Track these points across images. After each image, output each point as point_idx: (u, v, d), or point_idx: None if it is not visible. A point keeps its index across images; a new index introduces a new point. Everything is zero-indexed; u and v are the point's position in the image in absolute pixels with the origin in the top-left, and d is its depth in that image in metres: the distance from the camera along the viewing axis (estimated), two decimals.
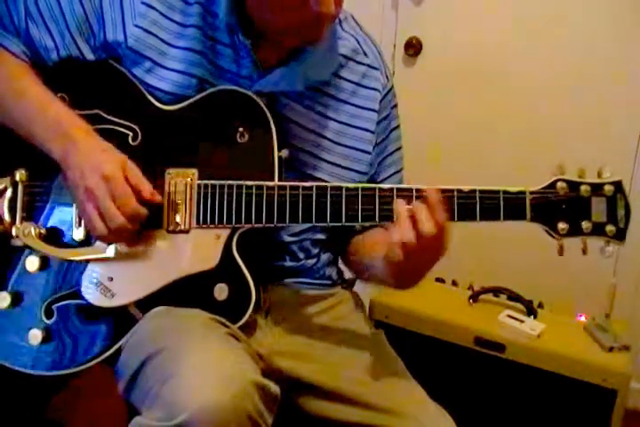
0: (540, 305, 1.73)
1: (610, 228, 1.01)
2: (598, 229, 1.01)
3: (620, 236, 1.01)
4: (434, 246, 0.98)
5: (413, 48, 2.14)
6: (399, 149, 1.28)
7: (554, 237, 1.02)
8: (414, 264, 1.00)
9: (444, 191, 1.01)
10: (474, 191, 1.01)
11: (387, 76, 1.23)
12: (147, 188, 1.03)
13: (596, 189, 1.01)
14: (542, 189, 1.02)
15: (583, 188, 1.01)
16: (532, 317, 1.65)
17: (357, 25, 1.22)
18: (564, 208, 1.01)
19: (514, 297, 1.71)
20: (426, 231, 0.95)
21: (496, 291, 1.73)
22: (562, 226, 1.01)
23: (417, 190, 1.02)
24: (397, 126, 1.27)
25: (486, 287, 1.72)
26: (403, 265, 0.99)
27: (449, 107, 2.14)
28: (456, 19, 2.09)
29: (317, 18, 1.00)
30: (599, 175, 1.02)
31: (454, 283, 1.81)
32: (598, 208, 1.01)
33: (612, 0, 1.96)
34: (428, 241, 0.96)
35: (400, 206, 0.99)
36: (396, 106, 1.26)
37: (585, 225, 1.01)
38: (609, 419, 1.52)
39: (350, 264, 1.28)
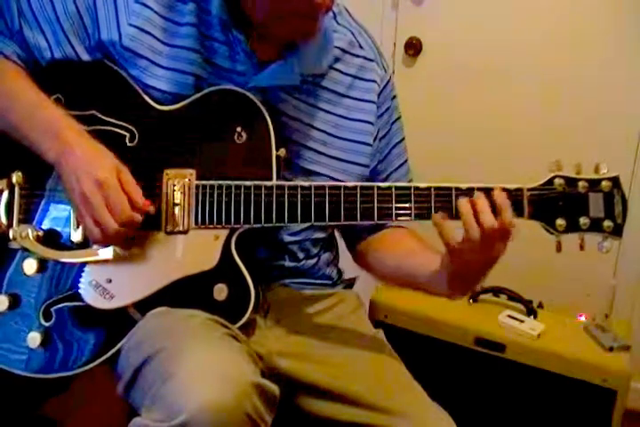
0: (540, 305, 1.73)
1: (607, 223, 1.01)
2: (596, 225, 1.01)
3: (618, 231, 1.01)
4: (494, 243, 0.98)
5: (413, 48, 2.14)
6: (403, 139, 1.28)
7: (552, 233, 1.02)
8: (474, 264, 1.00)
9: (443, 189, 1.01)
10: (472, 189, 1.01)
11: (384, 68, 1.22)
12: (138, 196, 1.02)
13: (594, 184, 1.01)
14: (540, 185, 1.02)
15: (580, 184, 1.01)
16: (532, 317, 1.65)
17: (352, 18, 1.22)
18: (562, 204, 1.01)
19: (514, 297, 1.71)
20: (487, 224, 0.96)
21: (496, 291, 1.73)
22: (560, 222, 1.01)
23: (415, 188, 1.02)
24: (399, 117, 1.27)
25: (486, 287, 1.72)
26: (461, 268, 1.00)
27: (449, 107, 2.14)
28: (456, 19, 2.09)
29: (312, 9, 1.00)
30: (596, 171, 1.02)
31: None
32: (596, 204, 1.01)
33: (612, 0, 1.95)
34: (491, 237, 0.96)
35: (461, 203, 0.99)
36: (395, 97, 1.26)
37: (582, 221, 1.01)
38: (609, 419, 1.52)
39: (375, 269, 1.25)
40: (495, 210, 0.97)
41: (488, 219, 0.96)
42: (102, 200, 0.99)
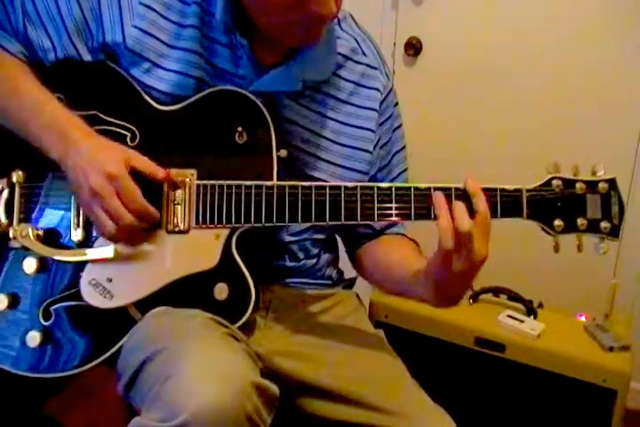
0: (540, 305, 1.73)
1: (604, 224, 1.02)
2: (593, 226, 1.02)
3: (615, 232, 1.02)
4: (473, 247, 0.95)
5: (413, 48, 2.14)
6: (404, 147, 1.28)
7: (550, 233, 1.02)
8: (455, 270, 0.97)
9: (442, 189, 1.01)
10: None
11: (387, 76, 1.22)
12: (159, 169, 1.03)
13: (591, 186, 1.02)
14: (538, 186, 1.02)
15: (578, 185, 1.02)
16: (532, 317, 1.65)
17: (356, 24, 1.21)
18: (560, 205, 1.02)
19: (514, 297, 1.71)
20: (462, 228, 0.94)
21: (496, 291, 1.73)
22: (557, 223, 1.02)
23: (415, 188, 1.02)
24: (400, 125, 1.27)
25: (486, 287, 1.72)
26: (444, 272, 0.97)
27: (449, 107, 2.14)
28: (456, 19, 2.09)
29: (317, 18, 1.00)
30: (593, 173, 1.03)
31: None
32: (593, 205, 1.02)
33: (612, 0, 1.96)
34: (467, 240, 0.94)
35: (437, 198, 0.99)
36: (396, 104, 1.26)
37: (580, 222, 1.02)
38: (609, 419, 1.52)
39: (370, 276, 1.24)
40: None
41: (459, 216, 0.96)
42: (113, 192, 0.98)
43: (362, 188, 1.03)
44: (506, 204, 1.01)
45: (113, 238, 1.03)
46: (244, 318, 1.04)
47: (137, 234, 1.04)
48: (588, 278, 2.01)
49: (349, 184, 1.04)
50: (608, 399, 1.51)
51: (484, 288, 1.72)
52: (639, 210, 1.91)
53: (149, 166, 1.03)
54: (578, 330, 1.64)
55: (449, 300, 1.05)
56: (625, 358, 1.54)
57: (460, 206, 0.97)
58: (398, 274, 1.13)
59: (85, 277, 1.08)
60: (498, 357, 1.59)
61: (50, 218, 1.11)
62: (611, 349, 1.55)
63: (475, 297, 1.72)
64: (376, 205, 1.03)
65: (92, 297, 1.07)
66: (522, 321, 1.62)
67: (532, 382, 1.57)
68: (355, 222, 1.04)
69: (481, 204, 0.97)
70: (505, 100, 2.08)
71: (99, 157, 1.00)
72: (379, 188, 1.03)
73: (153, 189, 1.04)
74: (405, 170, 1.29)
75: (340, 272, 1.33)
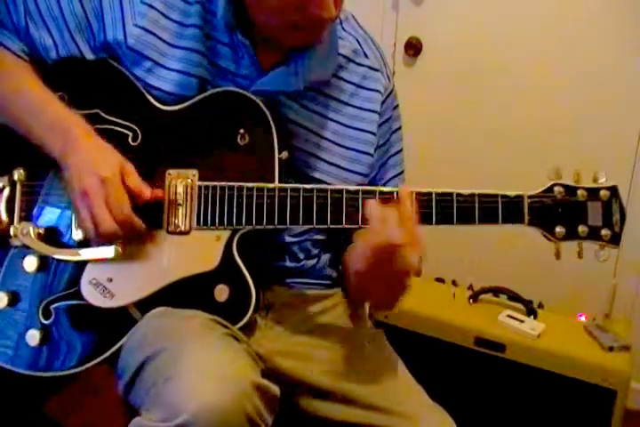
0: (540, 305, 1.74)
1: (605, 232, 1.02)
2: (594, 234, 1.02)
3: (615, 240, 1.02)
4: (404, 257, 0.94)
5: (413, 48, 2.14)
6: (400, 150, 1.28)
7: (551, 240, 1.03)
8: (384, 278, 0.97)
9: (444, 195, 1.01)
10: (473, 195, 1.02)
11: (388, 77, 1.22)
12: (146, 189, 1.03)
13: (592, 193, 1.02)
14: (540, 193, 1.02)
15: (579, 192, 1.02)
16: (532, 317, 1.65)
17: (358, 25, 1.21)
18: (561, 212, 1.02)
19: (514, 297, 1.71)
20: (394, 239, 0.93)
21: (496, 291, 1.73)
22: (559, 230, 1.02)
23: (417, 194, 1.02)
24: (399, 128, 1.27)
25: (486, 287, 1.73)
26: (371, 279, 0.98)
27: (448, 107, 2.15)
28: (456, 19, 2.09)
29: (317, 21, 1.00)
30: (594, 180, 1.03)
31: (454, 283, 1.81)
32: (594, 212, 1.02)
33: (612, 0, 1.96)
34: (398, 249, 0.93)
35: (372, 208, 0.98)
36: (397, 107, 1.26)
37: (581, 229, 1.02)
38: (609, 419, 1.52)
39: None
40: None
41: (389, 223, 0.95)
42: (102, 197, 0.98)
43: (364, 191, 1.03)
44: (507, 210, 1.02)
45: (95, 241, 1.03)
46: (244, 320, 1.04)
47: (121, 239, 1.03)
48: (588, 278, 2.01)
49: (351, 187, 1.04)
50: (608, 399, 1.51)
51: (484, 288, 1.73)
52: (639, 210, 1.91)
53: (139, 185, 1.02)
54: (578, 330, 1.64)
55: (384, 304, 1.07)
56: (625, 358, 1.54)
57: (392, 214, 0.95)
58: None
59: (86, 276, 1.07)
60: (498, 357, 1.60)
61: (51, 216, 1.11)
62: (611, 349, 1.55)
63: (475, 297, 1.72)
64: None
65: (92, 296, 1.07)
66: (522, 321, 1.62)
67: (532, 382, 1.58)
68: (356, 226, 1.03)
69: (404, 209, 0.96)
70: (504, 99, 2.08)
71: (96, 161, 1.00)
72: (380, 191, 1.03)
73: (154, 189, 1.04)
74: (401, 173, 1.28)
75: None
